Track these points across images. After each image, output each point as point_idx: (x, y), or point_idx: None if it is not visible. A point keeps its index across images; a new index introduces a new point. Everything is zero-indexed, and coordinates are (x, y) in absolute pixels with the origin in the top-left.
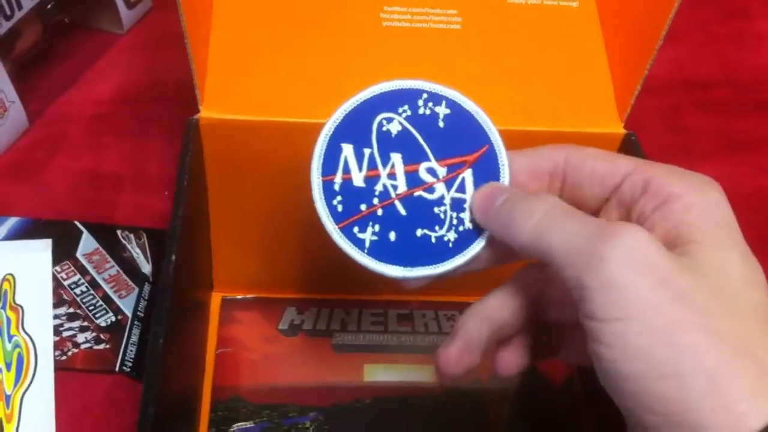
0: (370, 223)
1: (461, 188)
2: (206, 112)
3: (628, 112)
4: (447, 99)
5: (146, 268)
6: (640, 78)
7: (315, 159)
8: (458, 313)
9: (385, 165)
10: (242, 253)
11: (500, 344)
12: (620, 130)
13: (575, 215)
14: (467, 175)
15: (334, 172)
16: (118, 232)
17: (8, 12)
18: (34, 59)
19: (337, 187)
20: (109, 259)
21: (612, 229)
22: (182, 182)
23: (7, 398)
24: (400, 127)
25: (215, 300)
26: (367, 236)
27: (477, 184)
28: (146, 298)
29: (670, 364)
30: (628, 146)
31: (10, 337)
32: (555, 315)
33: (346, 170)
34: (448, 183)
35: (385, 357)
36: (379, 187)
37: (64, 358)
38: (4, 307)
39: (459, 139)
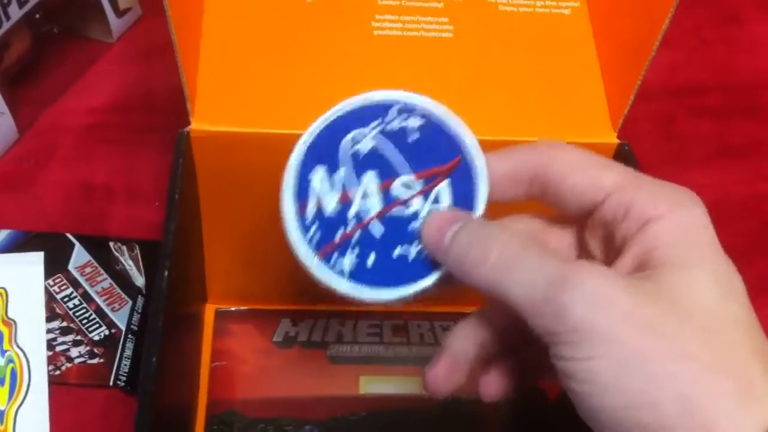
0: (349, 250)
1: (437, 200)
2: (197, 125)
3: (621, 121)
4: (420, 108)
5: (139, 280)
6: (633, 87)
7: (285, 187)
8: (453, 323)
9: (358, 186)
10: (236, 265)
11: (484, 368)
12: (613, 140)
13: (529, 257)
14: (443, 186)
15: (306, 200)
16: (111, 244)
17: None
18: (22, 70)
19: (310, 216)
20: (102, 271)
21: (567, 274)
22: (173, 196)
23: (1, 414)
24: (371, 144)
25: (209, 312)
26: (346, 264)
27: (454, 194)
28: (140, 311)
29: (644, 394)
30: (622, 156)
31: (3, 352)
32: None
33: (319, 197)
34: (425, 196)
35: (381, 369)
36: (353, 211)
37: (57, 372)
38: None
39: (433, 150)
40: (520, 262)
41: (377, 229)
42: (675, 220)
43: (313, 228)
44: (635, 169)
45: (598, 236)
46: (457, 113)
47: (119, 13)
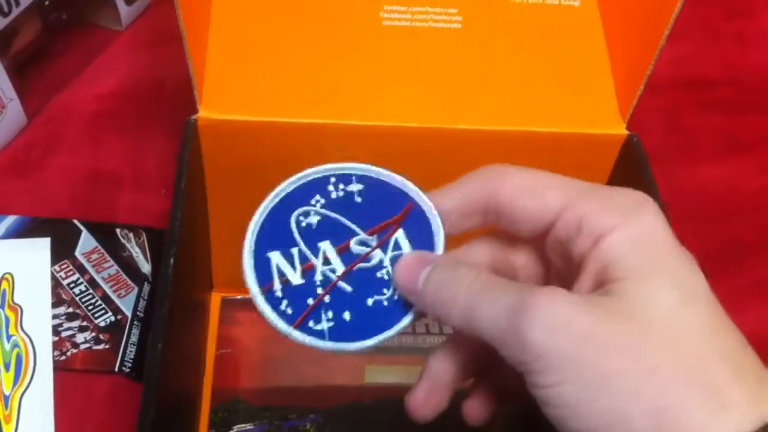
0: (322, 312)
1: (397, 247)
2: (204, 113)
3: (630, 113)
4: (355, 175)
5: (146, 267)
6: (642, 78)
7: (247, 276)
8: None
9: (316, 255)
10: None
11: (468, 391)
12: (622, 131)
13: (492, 290)
14: (399, 234)
15: (270, 281)
16: (118, 230)
17: (6, 9)
18: (32, 56)
19: (279, 294)
20: (109, 258)
21: (524, 302)
22: (180, 184)
23: (6, 399)
24: (318, 217)
25: (215, 300)
26: (324, 325)
27: (411, 238)
28: (146, 297)
29: (614, 412)
30: (630, 148)
31: (8, 337)
32: None
33: (282, 274)
34: (383, 247)
35: (386, 358)
36: (318, 277)
37: (63, 358)
38: (2, 307)
39: (381, 206)
40: (484, 299)
41: (346, 287)
42: (626, 231)
43: (285, 302)
44: (644, 161)
45: (558, 254)
46: (394, 169)
47: (128, 0)
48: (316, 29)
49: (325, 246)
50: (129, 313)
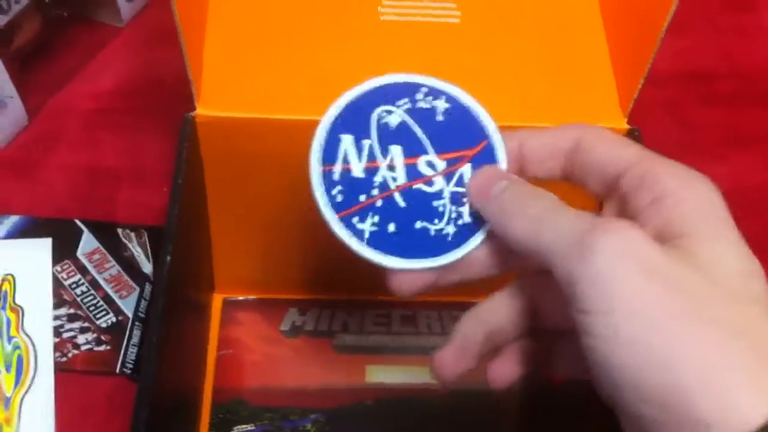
0: (370, 214)
1: (460, 182)
2: (203, 110)
3: (630, 107)
4: (446, 94)
5: (147, 267)
6: (643, 72)
7: (314, 148)
8: (462, 313)
9: (384, 156)
10: (243, 254)
11: (494, 354)
12: (623, 125)
13: (569, 212)
14: (466, 169)
15: (333, 162)
16: (119, 230)
17: (6, 6)
18: (32, 53)
19: (336, 177)
20: (110, 258)
21: (602, 224)
22: (177, 180)
23: (7, 400)
24: (399, 120)
25: (216, 301)
26: (367, 227)
27: None
28: (147, 298)
29: (663, 353)
30: None
31: (9, 339)
32: (550, 323)
33: (346, 160)
34: (447, 177)
35: (388, 358)
36: (378, 179)
37: (64, 359)
38: (3, 308)
39: (458, 133)
40: (558, 215)
41: (400, 201)
42: (690, 196)
43: (338, 188)
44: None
45: (613, 213)
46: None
47: None
48: (314, 25)
49: (396, 151)
50: (130, 314)
